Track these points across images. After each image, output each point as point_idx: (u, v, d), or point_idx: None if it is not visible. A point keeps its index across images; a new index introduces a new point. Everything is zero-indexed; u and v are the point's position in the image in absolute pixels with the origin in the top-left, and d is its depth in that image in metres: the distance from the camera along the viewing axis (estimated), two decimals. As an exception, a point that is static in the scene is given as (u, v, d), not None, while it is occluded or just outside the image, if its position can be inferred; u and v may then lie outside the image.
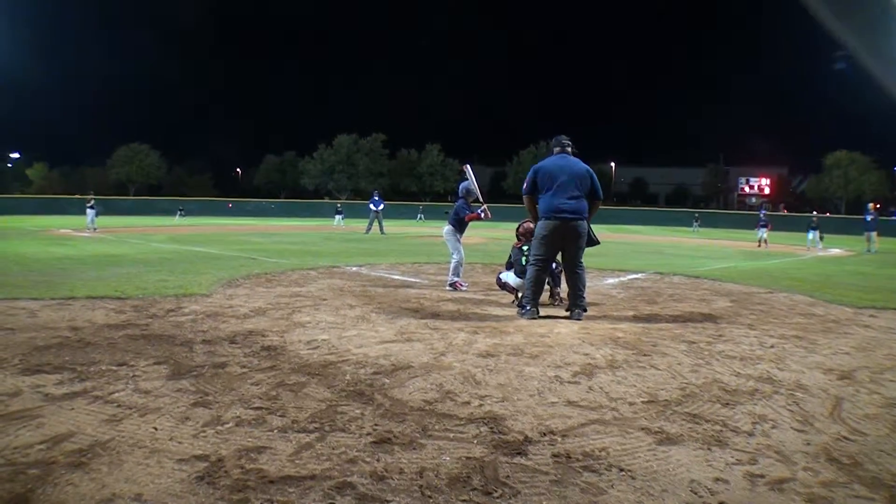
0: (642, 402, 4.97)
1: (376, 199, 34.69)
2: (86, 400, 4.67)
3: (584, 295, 8.75)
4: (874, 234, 30.21)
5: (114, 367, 5.56)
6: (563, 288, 9.49)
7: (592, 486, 3.42)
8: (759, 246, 32.19)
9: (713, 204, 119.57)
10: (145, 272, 12.66)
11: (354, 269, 14.61)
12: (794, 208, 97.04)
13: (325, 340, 6.87)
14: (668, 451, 3.93)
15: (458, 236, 11.83)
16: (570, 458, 3.77)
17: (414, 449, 3.86)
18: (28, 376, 5.22)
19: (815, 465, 3.78)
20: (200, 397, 4.80)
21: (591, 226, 8.99)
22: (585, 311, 8.70)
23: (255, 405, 4.63)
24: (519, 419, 4.47)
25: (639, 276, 14.64)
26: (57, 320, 7.55)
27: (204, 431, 4.08)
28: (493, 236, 31.42)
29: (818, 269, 19.05)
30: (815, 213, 43.11)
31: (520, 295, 9.60)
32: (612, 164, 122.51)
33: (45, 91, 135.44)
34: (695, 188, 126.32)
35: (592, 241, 9.16)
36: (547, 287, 9.67)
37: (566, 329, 7.87)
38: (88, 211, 32.31)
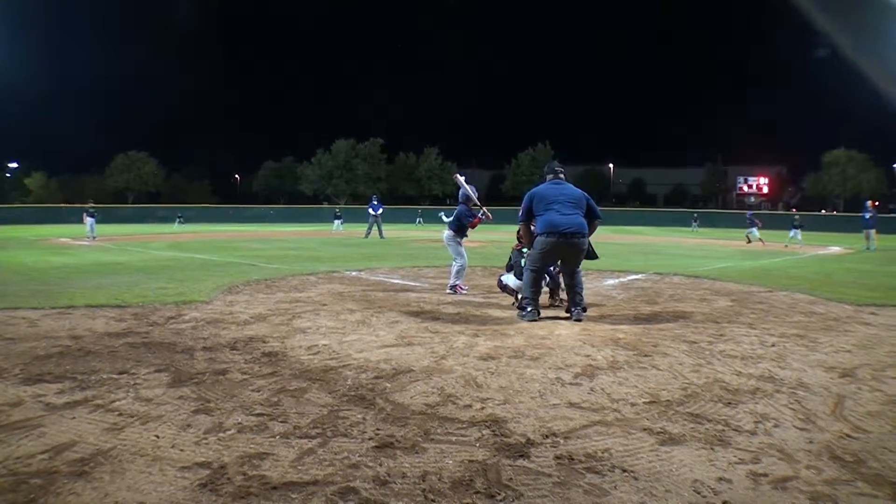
0: (644, 402, 4.97)
1: (375, 203, 34.66)
2: (87, 409, 4.67)
3: (583, 295, 8.75)
4: (873, 231, 30.18)
5: (115, 376, 5.55)
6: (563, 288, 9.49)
7: (595, 487, 3.42)
8: (749, 242, 33.92)
9: (712, 204, 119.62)
10: (145, 280, 12.65)
11: (354, 273, 14.61)
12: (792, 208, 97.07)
13: (325, 345, 6.87)
14: (670, 451, 3.93)
15: (459, 240, 11.83)
16: (572, 459, 3.77)
17: (416, 453, 3.86)
18: (29, 386, 5.22)
19: (817, 463, 3.77)
20: (202, 404, 4.79)
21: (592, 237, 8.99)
22: (585, 310, 8.71)
23: (257, 411, 4.63)
24: (521, 421, 4.47)
25: (639, 276, 14.65)
26: (57, 329, 7.54)
27: (206, 438, 4.07)
28: (493, 239, 31.42)
29: (818, 267, 19.05)
30: (796, 212, 43.23)
31: (520, 297, 9.61)
32: (611, 165, 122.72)
33: (42, 100, 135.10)
34: (693, 188, 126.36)
35: (591, 256, 9.18)
36: (547, 289, 9.68)
37: (567, 331, 7.87)
38: (87, 219, 32.26)
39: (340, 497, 3.27)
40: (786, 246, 30.80)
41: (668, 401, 5.01)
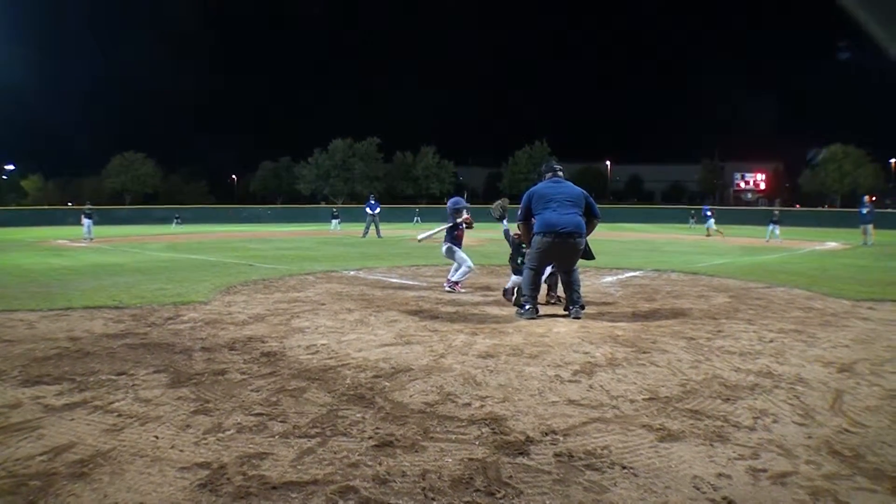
0: (643, 399, 4.97)
1: (372, 202, 34.61)
2: (86, 410, 4.67)
3: (581, 292, 8.75)
4: (870, 226, 30.18)
5: (113, 377, 5.55)
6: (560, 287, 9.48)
7: (595, 484, 3.42)
8: (709, 236, 35.89)
9: (709, 200, 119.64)
10: (143, 281, 12.64)
11: (352, 273, 14.60)
12: (790, 203, 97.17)
13: (324, 345, 6.87)
14: (669, 447, 3.94)
15: (459, 248, 11.84)
16: (572, 457, 3.77)
17: (416, 451, 3.86)
18: (28, 388, 5.22)
19: (816, 458, 3.78)
20: (201, 405, 4.79)
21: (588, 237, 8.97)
22: (584, 308, 8.71)
23: (256, 411, 4.63)
24: (520, 419, 4.47)
25: (637, 273, 14.66)
26: (55, 331, 7.54)
27: (205, 439, 4.07)
28: (490, 237, 31.42)
29: (815, 262, 19.05)
30: (775, 208, 43.42)
31: (515, 293, 9.67)
32: (608, 162, 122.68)
33: (39, 102, 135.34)
34: (691, 185, 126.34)
35: (589, 256, 9.16)
36: (544, 285, 9.68)
37: (565, 328, 7.87)
38: (85, 221, 32.20)
39: (340, 496, 3.27)
40: (767, 241, 30.88)
41: (666, 397, 5.01)
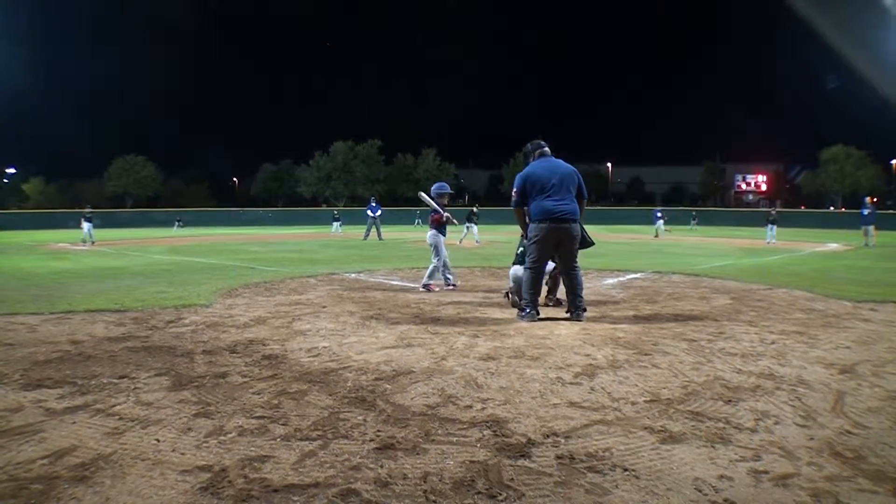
0: (644, 401, 4.97)
1: (373, 205, 34.64)
2: (87, 413, 4.67)
3: (583, 295, 8.73)
4: (872, 227, 30.21)
5: (115, 380, 5.55)
6: (561, 289, 9.46)
7: (597, 486, 3.42)
8: (657, 237, 38.18)
9: (710, 202, 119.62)
10: (144, 284, 12.65)
11: (353, 275, 14.60)
12: (791, 204, 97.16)
13: (325, 348, 6.87)
14: (671, 449, 3.93)
15: (442, 238, 12.00)
16: (573, 459, 3.77)
17: (417, 454, 3.86)
18: (29, 391, 5.22)
19: (818, 459, 3.78)
20: (202, 408, 4.79)
21: (586, 226, 8.95)
22: (585, 310, 8.69)
23: (258, 414, 4.63)
24: (521, 422, 4.47)
25: (638, 275, 14.65)
26: (57, 334, 7.54)
27: (206, 442, 4.07)
28: (491, 239, 31.46)
29: (817, 264, 19.06)
30: (773, 209, 43.63)
31: (512, 294, 9.73)
32: (609, 164, 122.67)
33: (39, 105, 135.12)
34: (692, 186, 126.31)
35: (587, 243, 9.13)
36: (545, 287, 9.68)
37: (566, 330, 7.87)
38: (85, 224, 32.19)
39: (342, 499, 3.27)
40: (768, 242, 30.88)
41: (668, 399, 5.01)
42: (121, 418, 4.55)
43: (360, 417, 4.56)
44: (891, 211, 63.88)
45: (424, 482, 3.46)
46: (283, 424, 4.40)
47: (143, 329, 7.88)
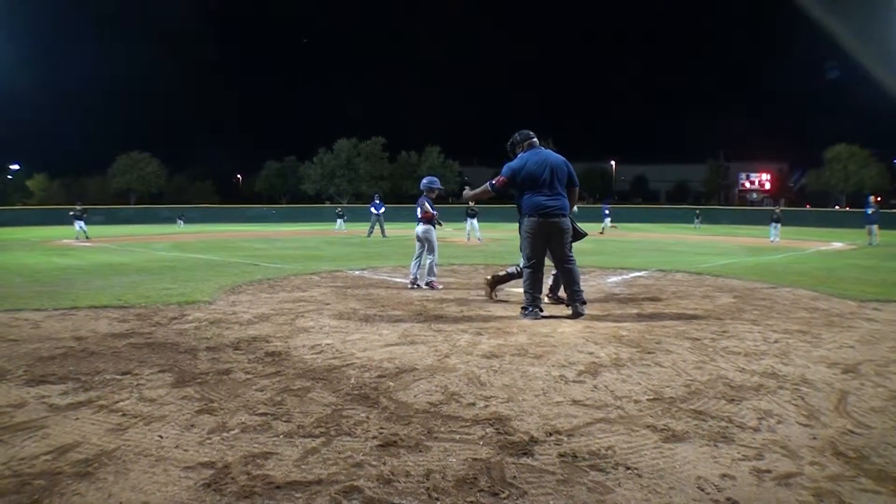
0: (647, 399, 4.96)
1: (377, 202, 34.66)
2: (91, 409, 4.67)
3: (581, 289, 8.73)
4: (875, 227, 30.18)
5: (118, 377, 5.56)
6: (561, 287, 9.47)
7: (599, 484, 3.42)
8: (602, 233, 37.83)
9: (714, 200, 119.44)
10: (148, 280, 12.67)
11: (357, 272, 14.61)
12: (796, 203, 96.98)
13: (329, 345, 6.87)
14: (674, 448, 3.93)
15: (435, 233, 12.13)
16: (576, 457, 3.77)
17: (420, 451, 3.86)
18: (32, 387, 5.23)
19: (821, 459, 3.77)
20: (205, 404, 4.80)
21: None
22: (585, 303, 8.69)
23: (261, 411, 4.63)
24: (524, 419, 4.47)
25: (641, 273, 14.63)
26: (60, 331, 7.55)
27: (209, 438, 4.07)
28: (494, 237, 31.43)
29: (821, 263, 19.03)
30: (777, 207, 43.69)
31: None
32: (612, 162, 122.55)
33: (43, 103, 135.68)
34: (695, 185, 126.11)
35: (579, 235, 9.17)
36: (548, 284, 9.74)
37: (570, 328, 7.86)
38: (76, 221, 32.15)
39: (344, 496, 3.27)
40: (772, 241, 30.89)
41: (671, 398, 5.01)
42: (124, 414, 4.56)
43: (363, 414, 4.56)
44: (895, 210, 63.75)
45: (427, 479, 3.47)
46: (286, 421, 4.41)
47: (147, 325, 7.89)
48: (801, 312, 9.08)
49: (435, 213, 12.25)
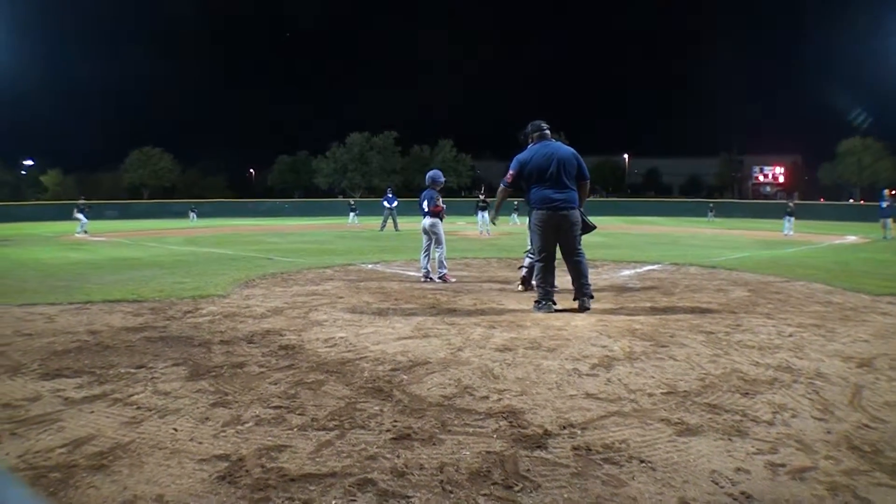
0: (661, 393, 4.95)
1: (390, 196, 34.64)
2: (105, 403, 4.70)
3: (589, 281, 8.70)
4: (890, 220, 29.98)
5: (132, 370, 5.58)
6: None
7: (613, 478, 3.41)
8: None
9: (727, 193, 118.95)
10: (162, 275, 12.72)
11: (370, 266, 14.64)
12: (810, 196, 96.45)
13: (342, 338, 6.89)
14: (688, 441, 3.92)
15: (442, 227, 12.28)
16: (590, 450, 3.77)
17: (433, 444, 3.86)
18: (48, 381, 5.26)
19: (836, 453, 3.76)
20: (220, 397, 4.82)
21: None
22: (592, 297, 8.67)
23: (275, 404, 4.64)
24: (538, 413, 4.47)
25: (655, 267, 14.60)
26: (75, 325, 7.59)
27: (224, 431, 4.09)
28: (506, 230, 31.42)
29: (835, 257, 18.94)
30: (790, 201, 43.27)
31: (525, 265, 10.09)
32: (626, 155, 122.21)
33: (55, 98, 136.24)
34: (709, 178, 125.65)
35: (589, 227, 9.12)
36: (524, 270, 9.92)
37: (583, 322, 7.85)
38: (78, 215, 32.15)
39: (358, 489, 3.28)
40: (785, 234, 30.76)
41: (685, 391, 5.00)
42: (138, 408, 4.58)
43: (376, 408, 4.57)
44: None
45: (441, 472, 3.47)
46: (299, 414, 4.42)
47: (161, 319, 7.92)
48: (815, 306, 9.05)
49: (443, 206, 12.32)
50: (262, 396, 4.84)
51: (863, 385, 5.20)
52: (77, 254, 19.05)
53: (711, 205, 64.11)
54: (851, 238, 29.94)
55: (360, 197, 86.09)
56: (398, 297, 9.76)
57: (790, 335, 7.10)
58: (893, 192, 44.76)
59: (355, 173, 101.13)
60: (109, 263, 15.65)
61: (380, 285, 11.23)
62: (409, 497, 3.20)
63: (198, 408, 4.58)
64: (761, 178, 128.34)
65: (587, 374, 5.47)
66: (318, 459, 3.64)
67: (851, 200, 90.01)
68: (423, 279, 11.85)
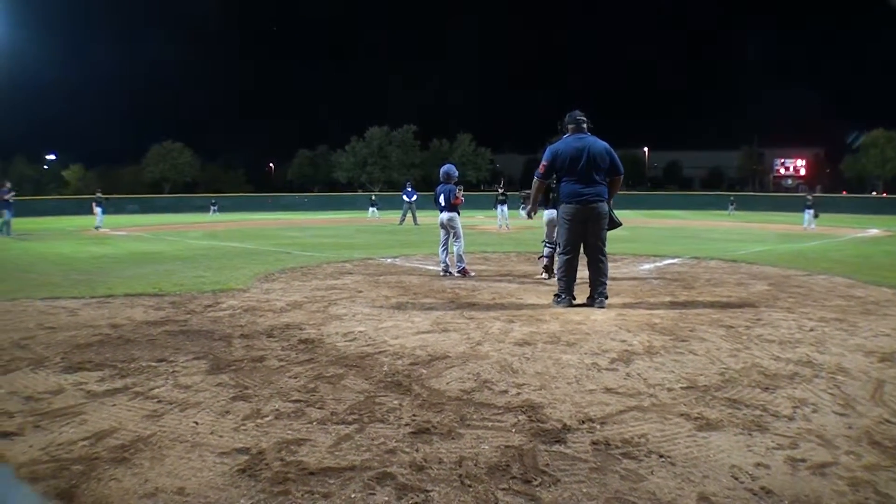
0: (681, 387, 4.94)
1: (409, 189, 34.65)
2: (127, 396, 4.73)
3: (606, 283, 8.66)
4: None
5: (154, 364, 5.62)
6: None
7: (632, 472, 3.41)
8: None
9: (748, 187, 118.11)
10: (182, 269, 12.79)
11: (389, 260, 14.65)
12: (832, 189, 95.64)
13: (361, 332, 6.90)
14: (708, 436, 3.91)
15: (460, 220, 12.38)
16: (609, 445, 3.76)
17: (452, 438, 3.87)
18: (70, 374, 5.30)
19: (857, 448, 3.73)
20: (240, 391, 4.84)
21: (624, 211, 8.93)
22: (607, 297, 8.61)
23: (294, 398, 4.66)
24: (557, 407, 4.46)
25: (675, 260, 14.53)
26: (97, 318, 7.65)
27: (244, 425, 4.11)
28: (526, 224, 31.34)
29: (856, 250, 18.79)
30: (810, 194, 42.94)
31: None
32: (646, 148, 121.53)
33: (78, 94, 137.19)
34: (730, 171, 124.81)
35: (615, 223, 9.07)
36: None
37: (602, 316, 7.83)
38: (97, 209, 32.29)
39: (377, 482, 3.29)
40: (805, 228, 30.52)
41: (705, 386, 4.98)
42: (160, 401, 4.61)
43: (395, 402, 4.58)
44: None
45: (460, 466, 3.48)
46: (319, 408, 4.44)
47: (182, 313, 7.96)
48: (836, 300, 8.98)
49: (463, 199, 12.42)
50: (281, 390, 4.86)
51: (885, 380, 5.16)
52: (99, 248, 19.18)
53: (732, 198, 63.69)
54: (874, 231, 29.69)
55: (380, 191, 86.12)
56: (417, 292, 9.76)
57: (811, 329, 7.06)
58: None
59: (375, 167, 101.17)
60: (130, 257, 15.76)
61: (399, 279, 11.25)
62: (427, 491, 3.21)
63: (218, 401, 4.61)
64: (782, 170, 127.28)
65: (606, 369, 5.46)
66: (337, 453, 3.65)
67: (874, 193, 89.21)
68: (442, 273, 11.86)
